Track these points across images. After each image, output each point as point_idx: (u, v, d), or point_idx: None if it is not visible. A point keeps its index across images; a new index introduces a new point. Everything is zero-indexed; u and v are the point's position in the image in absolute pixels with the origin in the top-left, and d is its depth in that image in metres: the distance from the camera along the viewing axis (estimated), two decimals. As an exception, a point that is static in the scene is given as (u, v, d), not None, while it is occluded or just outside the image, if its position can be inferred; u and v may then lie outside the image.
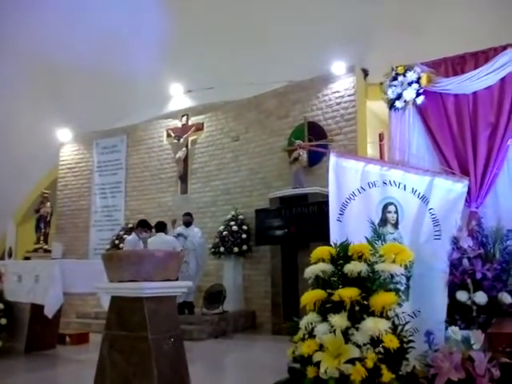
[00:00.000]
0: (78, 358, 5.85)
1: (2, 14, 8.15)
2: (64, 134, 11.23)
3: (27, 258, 8.91)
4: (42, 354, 5.77)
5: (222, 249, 8.25)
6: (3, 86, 9.31)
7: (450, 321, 3.37)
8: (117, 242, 9.54)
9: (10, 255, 9.98)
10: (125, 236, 9.53)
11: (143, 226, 7.22)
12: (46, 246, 9.67)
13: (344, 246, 2.62)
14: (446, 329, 3.12)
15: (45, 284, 5.61)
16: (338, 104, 7.98)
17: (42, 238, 9.76)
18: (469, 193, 3.85)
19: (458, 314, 3.54)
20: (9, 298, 5.91)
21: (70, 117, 10.49)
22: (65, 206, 11.13)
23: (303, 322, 2.44)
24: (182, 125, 9.86)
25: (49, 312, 5.47)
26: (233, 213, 8.54)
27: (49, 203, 10.01)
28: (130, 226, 9.83)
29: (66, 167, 11.34)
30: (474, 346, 2.44)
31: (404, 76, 4.24)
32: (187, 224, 8.05)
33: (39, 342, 5.90)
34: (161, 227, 7.34)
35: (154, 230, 7.30)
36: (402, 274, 2.53)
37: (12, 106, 9.74)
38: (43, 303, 5.52)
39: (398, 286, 2.51)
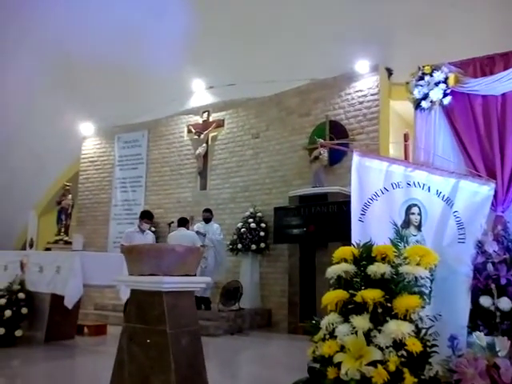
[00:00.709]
0: (95, 349, 5.94)
1: (27, 10, 8.26)
2: (86, 128, 11.38)
3: (48, 249, 9.07)
4: (61, 344, 5.85)
5: (239, 246, 8.26)
6: (27, 79, 9.46)
7: (472, 326, 3.30)
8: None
9: (31, 246, 10.17)
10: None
11: (143, 216, 7.09)
12: (66, 238, 9.83)
13: (367, 247, 2.59)
14: (468, 334, 3.07)
15: (65, 275, 5.69)
16: (361, 103, 7.91)
17: (62, 229, 9.93)
18: (495, 196, 3.77)
19: (480, 319, 3.46)
20: (30, 288, 6.01)
21: (92, 111, 10.63)
22: (86, 198, 11.28)
23: (324, 322, 2.41)
24: (203, 121, 9.88)
25: (69, 303, 5.55)
26: (251, 210, 8.54)
27: (70, 196, 10.17)
28: (149, 220, 9.91)
29: (87, 160, 11.49)
30: (499, 353, 2.38)
31: (431, 76, 4.15)
32: (207, 220, 8.09)
33: (59, 331, 5.99)
34: (182, 222, 7.50)
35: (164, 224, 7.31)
36: (427, 277, 2.49)
37: (36, 99, 9.90)
38: (63, 294, 5.60)
39: (423, 289, 2.47)
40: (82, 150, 11.58)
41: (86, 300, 7.60)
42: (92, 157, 11.46)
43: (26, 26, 8.49)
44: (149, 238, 7.04)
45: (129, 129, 10.99)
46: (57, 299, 5.78)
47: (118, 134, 11.10)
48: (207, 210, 8.24)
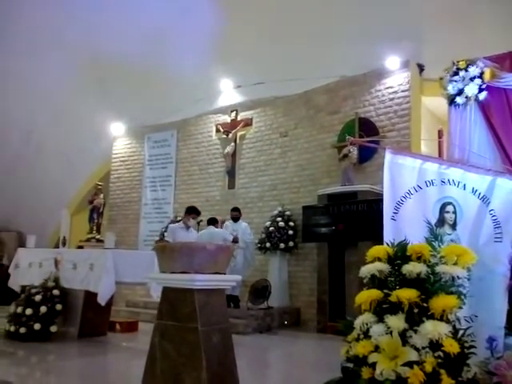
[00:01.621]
0: (127, 346, 6.03)
1: (53, 9, 8.43)
2: (117, 128, 11.58)
3: (80, 247, 9.25)
4: (94, 340, 5.97)
5: (268, 244, 8.25)
6: (60, 81, 9.69)
7: (510, 327, 3.21)
8: (166, 234, 9.74)
9: (64, 244, 10.39)
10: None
11: (190, 212, 6.87)
12: (98, 236, 10.00)
13: (402, 246, 2.54)
14: (506, 335, 2.98)
15: (98, 272, 5.80)
16: (392, 100, 7.78)
17: (94, 228, 10.10)
18: (533, 194, 3.64)
19: (518, 321, 3.36)
20: (64, 284, 6.15)
21: (122, 111, 10.81)
22: (117, 197, 11.50)
23: (358, 322, 2.38)
24: (231, 120, 9.92)
25: (102, 300, 5.66)
26: (280, 209, 8.52)
27: (102, 195, 10.34)
28: (179, 218, 10.01)
29: (118, 160, 11.70)
30: (540, 356, 2.30)
31: (466, 71, 4.06)
32: (235, 219, 8.12)
33: (92, 328, 6.12)
34: (212, 221, 7.58)
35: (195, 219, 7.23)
36: (465, 277, 2.42)
37: (68, 100, 10.14)
38: (96, 291, 5.71)
39: (460, 289, 2.41)
40: (112, 149, 11.80)
41: (117, 297, 7.73)
42: (123, 156, 11.66)
43: (59, 28, 8.70)
44: (193, 235, 6.86)
45: (158, 128, 11.13)
46: (90, 296, 5.90)
47: (148, 134, 11.25)
48: (235, 209, 8.27)
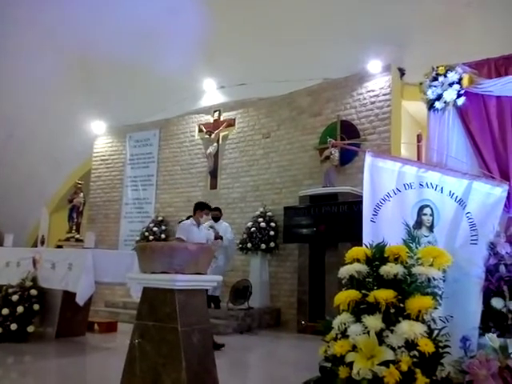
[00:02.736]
0: (106, 346, 5.98)
1: (41, 9, 8.34)
2: (98, 127, 11.47)
3: (59, 247, 9.13)
4: (72, 341, 5.90)
5: (249, 245, 8.27)
6: (41, 78, 9.55)
7: (484, 328, 3.29)
8: (146, 233, 9.69)
9: (42, 243, 10.24)
10: (155, 228, 9.70)
11: (203, 207, 6.22)
12: (77, 236, 9.88)
13: (380, 247, 2.59)
14: (480, 336, 3.06)
15: (78, 272, 5.73)
16: (373, 103, 7.88)
17: (74, 227, 9.97)
18: (508, 198, 3.74)
19: (492, 321, 3.45)
20: (42, 284, 6.06)
21: (104, 110, 10.71)
22: (97, 196, 11.38)
23: (336, 322, 2.42)
24: (214, 120, 9.92)
25: (80, 300, 5.59)
26: (261, 209, 8.55)
27: (82, 194, 10.22)
28: (160, 218, 9.98)
29: (99, 159, 11.58)
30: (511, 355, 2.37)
31: (445, 76, 4.13)
32: (216, 219, 8.10)
33: (70, 328, 6.04)
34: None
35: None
36: (440, 279, 2.48)
37: (49, 98, 9.99)
38: (75, 291, 5.64)
39: (436, 290, 2.46)
40: (93, 148, 11.68)
41: (96, 297, 7.65)
42: (104, 155, 11.55)
43: (45, 27, 8.57)
44: (204, 234, 6.43)
45: (140, 128, 11.06)
46: (68, 296, 5.82)
47: (130, 133, 11.17)
48: (216, 209, 8.26)
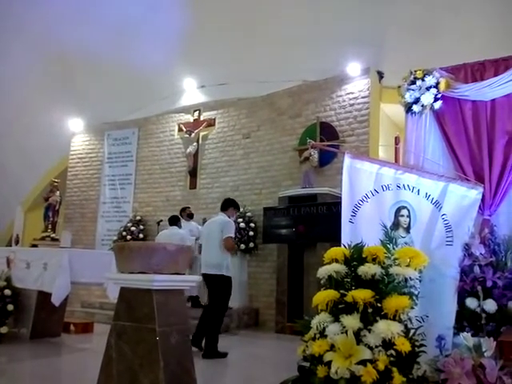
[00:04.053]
0: (82, 347, 5.90)
1: (17, 4, 8.19)
2: (76, 124, 11.29)
3: (34, 246, 8.96)
4: (47, 341, 5.80)
5: (228, 245, 8.25)
6: (17, 74, 9.37)
7: (458, 327, 3.36)
8: (124, 233, 9.58)
9: (16, 242, 10.05)
10: (132, 228, 9.60)
11: (230, 205, 5.81)
12: (53, 235, 9.70)
13: (358, 248, 2.62)
14: (455, 335, 3.12)
15: (53, 272, 5.63)
16: (352, 105, 7.96)
17: (49, 226, 9.79)
18: (483, 200, 3.83)
19: (466, 320, 3.53)
20: (16, 284, 5.93)
21: (82, 107, 10.55)
22: (74, 195, 11.20)
23: (315, 322, 2.44)
24: (194, 120, 9.88)
25: (56, 300, 5.49)
26: (241, 210, 8.53)
27: (58, 192, 10.04)
28: (138, 218, 9.88)
29: (76, 157, 11.40)
30: (485, 354, 2.43)
31: (422, 80, 4.21)
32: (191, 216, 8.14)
33: (45, 329, 5.94)
34: (173, 221, 7.41)
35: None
36: (417, 279, 2.53)
37: (25, 94, 9.80)
38: (51, 291, 5.54)
39: (412, 290, 2.51)
40: (70, 146, 11.48)
41: (72, 297, 7.53)
42: (81, 153, 11.37)
43: (20, 21, 8.40)
44: None
45: (119, 126, 10.93)
46: (43, 296, 5.72)
47: (108, 131, 11.03)
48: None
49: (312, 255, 6.99)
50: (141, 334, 3.21)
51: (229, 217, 5.68)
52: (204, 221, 8.25)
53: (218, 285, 5.41)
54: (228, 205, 5.79)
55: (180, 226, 7.45)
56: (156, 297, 3.23)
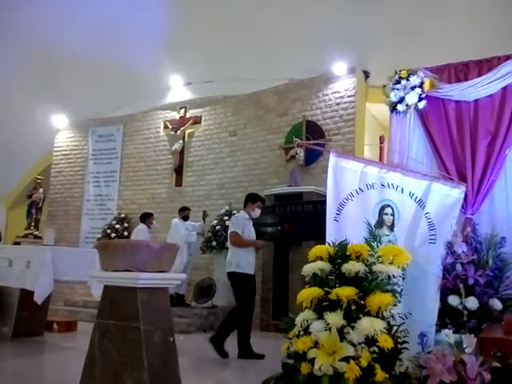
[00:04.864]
0: (65, 346, 5.83)
1: (1, 4, 8.06)
2: (60, 121, 11.15)
3: (17, 243, 8.85)
4: (30, 340, 5.73)
5: (214, 243, 8.23)
6: (2, 70, 9.22)
7: (441, 324, 3.41)
8: (108, 231, 9.50)
9: (-1, 240, 9.91)
10: (117, 226, 9.52)
11: (255, 199, 5.59)
12: (36, 232, 9.63)
13: (342, 246, 2.64)
14: (437, 332, 3.16)
15: (36, 270, 5.55)
16: (338, 104, 8.00)
17: (32, 223, 9.71)
18: (465, 199, 3.89)
19: (448, 317, 3.58)
20: (-2, 282, 5.87)
21: (66, 104, 10.42)
22: (57, 192, 11.06)
23: (299, 319, 2.45)
24: (180, 117, 9.83)
25: (39, 298, 5.42)
26: (227, 208, 8.53)
27: (41, 189, 9.96)
28: (123, 215, 9.81)
29: (60, 154, 11.26)
30: (466, 350, 2.46)
31: (407, 80, 4.25)
32: (186, 218, 8.12)
33: (27, 327, 5.86)
34: (142, 217, 7.78)
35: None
36: (400, 276, 2.55)
37: (8, 90, 9.65)
38: (33, 289, 5.47)
39: (395, 287, 2.53)
40: (54, 142, 11.34)
41: (56, 296, 7.45)
42: (65, 150, 11.24)
43: (3, 16, 8.26)
44: (252, 228, 5.63)
45: (104, 123, 10.82)
46: (26, 294, 5.63)
47: (93, 128, 10.91)
48: (187, 208, 8.33)
49: (297, 253, 7.01)
50: (125, 332, 3.18)
51: (249, 213, 5.50)
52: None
53: (232, 283, 5.41)
54: (245, 201, 5.64)
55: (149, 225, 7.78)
56: (140, 295, 3.20)
